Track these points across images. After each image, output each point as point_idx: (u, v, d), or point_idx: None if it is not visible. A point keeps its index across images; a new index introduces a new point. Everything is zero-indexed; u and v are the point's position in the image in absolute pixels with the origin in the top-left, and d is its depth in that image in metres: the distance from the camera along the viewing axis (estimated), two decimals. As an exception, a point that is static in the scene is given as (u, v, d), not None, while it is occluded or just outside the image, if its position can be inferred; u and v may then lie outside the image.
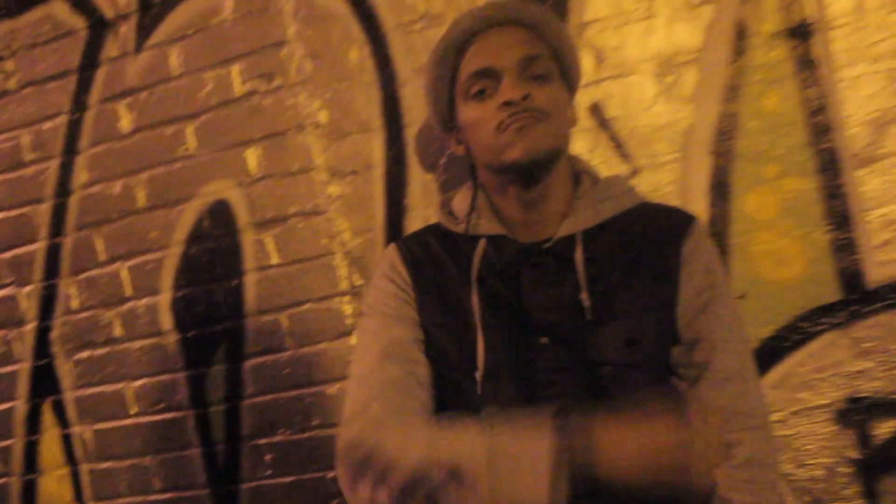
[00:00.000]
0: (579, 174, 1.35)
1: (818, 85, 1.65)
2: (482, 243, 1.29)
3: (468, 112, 1.30)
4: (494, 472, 1.07)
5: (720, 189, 1.69)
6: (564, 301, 1.25)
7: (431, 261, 1.34)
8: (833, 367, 1.66)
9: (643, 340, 1.24)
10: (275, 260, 1.84)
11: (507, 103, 1.22)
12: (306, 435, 1.83)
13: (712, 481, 1.10)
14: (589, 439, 1.06)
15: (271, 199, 1.85)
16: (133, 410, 1.95)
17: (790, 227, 1.67)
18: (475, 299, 1.26)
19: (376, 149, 1.83)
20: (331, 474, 1.81)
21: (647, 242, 1.29)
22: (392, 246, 1.38)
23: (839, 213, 1.65)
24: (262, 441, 1.84)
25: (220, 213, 1.87)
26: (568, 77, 1.37)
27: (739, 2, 1.67)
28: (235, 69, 1.85)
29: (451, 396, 1.27)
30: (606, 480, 1.04)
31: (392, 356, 1.26)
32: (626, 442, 1.06)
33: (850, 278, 1.65)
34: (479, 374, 1.23)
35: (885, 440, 1.65)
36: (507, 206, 1.31)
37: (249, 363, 1.85)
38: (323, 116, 1.82)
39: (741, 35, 1.68)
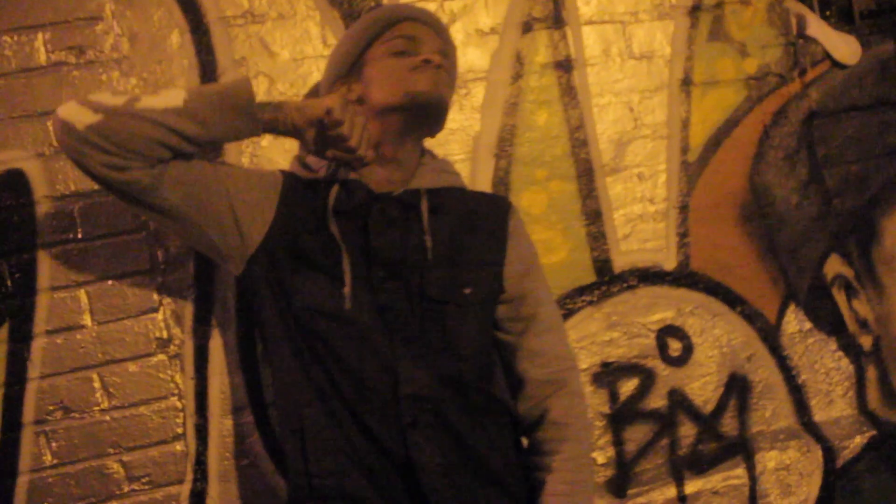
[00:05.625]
0: (424, 151, 1.57)
1: (577, 108, 2.00)
2: (336, 186, 1.44)
3: (386, 63, 1.48)
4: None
5: (501, 186, 1.95)
6: (409, 243, 1.42)
7: (299, 188, 1.47)
8: (589, 337, 1.96)
9: (476, 287, 1.46)
10: (78, 234, 1.72)
11: (426, 61, 1.44)
12: (104, 418, 1.70)
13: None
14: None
15: (76, 172, 1.69)
16: None
17: (556, 220, 1.98)
18: (334, 227, 1.39)
19: (191, 130, 1.85)
20: (126, 457, 1.72)
21: (480, 214, 1.53)
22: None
23: (593, 211, 2.00)
24: (49, 427, 1.68)
25: (13, 184, 1.70)
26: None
27: (519, 36, 1.98)
28: (41, 37, 1.73)
29: (321, 303, 1.38)
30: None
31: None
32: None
33: (602, 264, 1.99)
34: (346, 290, 1.36)
35: (628, 397, 2.00)
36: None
37: (38, 342, 1.69)
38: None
39: (520, 62, 1.98)
